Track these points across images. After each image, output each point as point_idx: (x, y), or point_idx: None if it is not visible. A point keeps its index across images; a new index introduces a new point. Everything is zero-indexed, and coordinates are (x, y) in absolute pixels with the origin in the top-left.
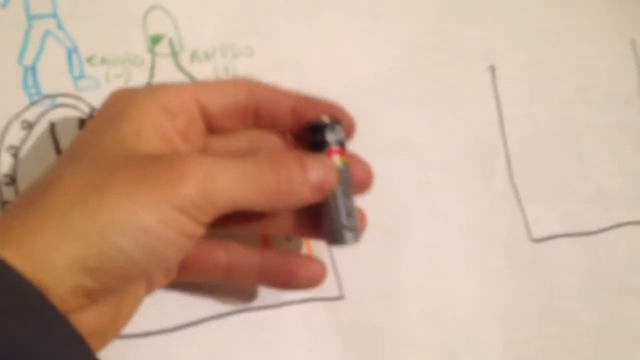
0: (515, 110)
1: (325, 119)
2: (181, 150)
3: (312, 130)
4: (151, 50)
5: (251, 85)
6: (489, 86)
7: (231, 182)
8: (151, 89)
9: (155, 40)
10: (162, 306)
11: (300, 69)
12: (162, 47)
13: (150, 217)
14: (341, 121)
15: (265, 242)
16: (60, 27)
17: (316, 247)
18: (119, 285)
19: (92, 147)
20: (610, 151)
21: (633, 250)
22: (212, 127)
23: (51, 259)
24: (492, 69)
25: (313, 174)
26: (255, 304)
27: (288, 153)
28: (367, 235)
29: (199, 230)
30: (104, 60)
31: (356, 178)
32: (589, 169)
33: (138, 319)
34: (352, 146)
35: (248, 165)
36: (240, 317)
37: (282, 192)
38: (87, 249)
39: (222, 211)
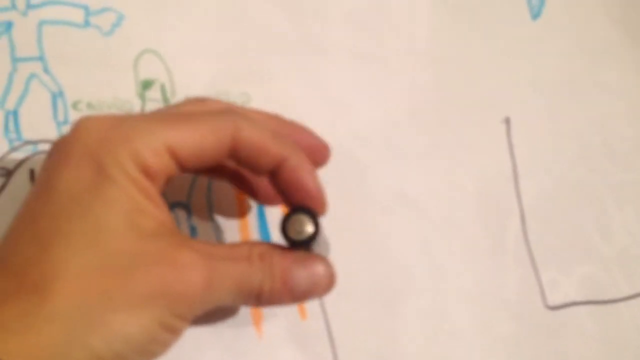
0: (531, 165)
1: (308, 230)
2: (160, 204)
3: (294, 242)
4: (141, 96)
5: (236, 129)
6: (502, 138)
7: (226, 290)
8: (125, 138)
9: (146, 85)
10: None
11: (298, 116)
12: (153, 93)
13: (155, 326)
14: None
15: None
16: (46, 70)
17: (310, 304)
18: None
19: (85, 223)
20: (636, 211)
21: None
22: (183, 170)
23: None
24: (507, 120)
25: (296, 291)
26: None
27: (276, 258)
28: (364, 297)
29: (186, 328)
30: (90, 106)
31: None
32: (612, 230)
33: None
34: (351, 199)
35: (243, 274)
36: None
37: (259, 301)
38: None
39: None
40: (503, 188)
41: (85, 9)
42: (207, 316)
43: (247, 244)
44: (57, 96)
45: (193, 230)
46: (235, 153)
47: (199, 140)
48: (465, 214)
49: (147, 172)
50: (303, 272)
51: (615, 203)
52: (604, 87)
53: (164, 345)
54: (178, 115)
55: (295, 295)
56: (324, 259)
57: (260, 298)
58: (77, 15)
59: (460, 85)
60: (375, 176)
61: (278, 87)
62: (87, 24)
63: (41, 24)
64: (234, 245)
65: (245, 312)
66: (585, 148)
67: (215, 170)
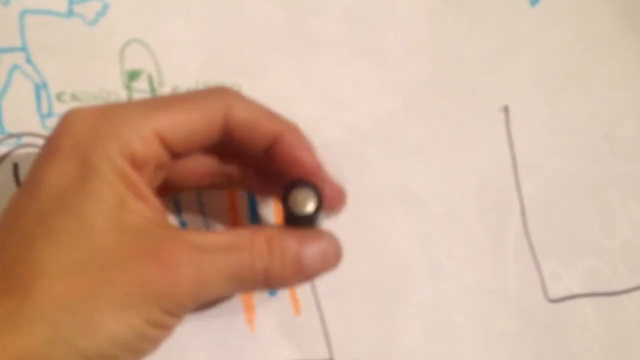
0: (531, 157)
1: (311, 204)
2: (148, 197)
3: (298, 217)
4: (127, 86)
5: (228, 108)
6: (501, 130)
7: (221, 283)
8: (113, 129)
9: (133, 75)
10: None
11: (293, 109)
12: (140, 83)
13: (144, 324)
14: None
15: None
16: (29, 61)
17: (304, 301)
18: None
19: (70, 221)
20: (638, 203)
21: None
22: (175, 156)
23: None
24: (506, 110)
25: (309, 270)
26: None
27: (286, 241)
28: (360, 293)
29: (179, 322)
30: (74, 97)
31: (328, 199)
32: (614, 222)
33: None
34: (348, 194)
35: (242, 263)
36: None
37: (269, 285)
38: None
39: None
40: (503, 181)
41: None
42: (199, 312)
43: (250, 229)
44: (40, 88)
45: (183, 226)
46: (228, 133)
47: (188, 123)
48: (465, 208)
49: (135, 162)
50: (314, 251)
51: (617, 195)
52: (604, 77)
53: (155, 342)
54: (166, 99)
55: (307, 274)
56: (330, 234)
57: (269, 282)
58: (61, 4)
59: (458, 78)
60: (373, 171)
61: (272, 80)
62: (70, 13)
63: (23, 13)
64: (233, 233)
65: (238, 308)
66: (585, 139)
67: (204, 176)
